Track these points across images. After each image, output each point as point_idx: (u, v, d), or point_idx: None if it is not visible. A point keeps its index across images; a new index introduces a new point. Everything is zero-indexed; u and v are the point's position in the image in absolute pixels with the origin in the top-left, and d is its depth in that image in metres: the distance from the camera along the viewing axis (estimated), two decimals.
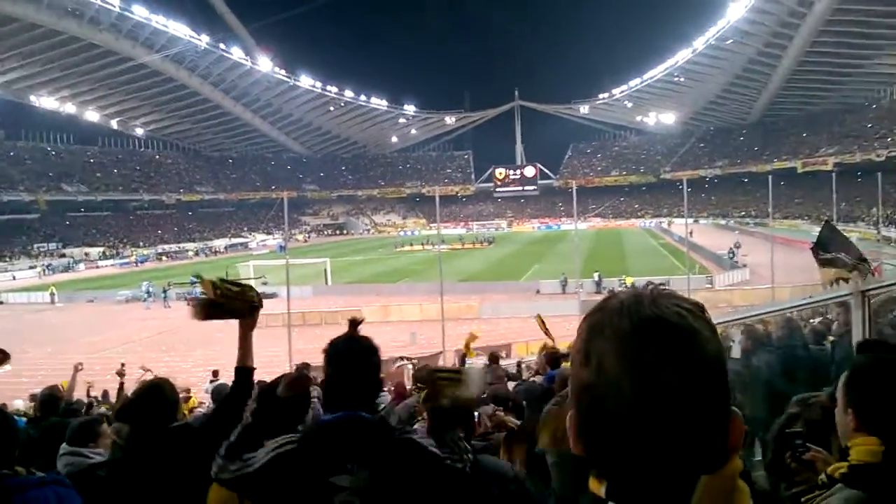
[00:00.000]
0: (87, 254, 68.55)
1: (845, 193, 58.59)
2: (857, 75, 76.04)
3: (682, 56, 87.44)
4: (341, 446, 1.89)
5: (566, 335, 25.34)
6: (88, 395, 12.09)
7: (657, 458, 0.74)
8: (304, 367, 8.94)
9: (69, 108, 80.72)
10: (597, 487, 0.81)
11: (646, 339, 0.74)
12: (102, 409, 10.87)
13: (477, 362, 20.25)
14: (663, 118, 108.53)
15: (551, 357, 6.18)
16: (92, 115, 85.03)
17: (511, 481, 2.38)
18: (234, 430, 2.07)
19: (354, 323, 2.11)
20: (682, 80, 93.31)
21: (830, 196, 38.91)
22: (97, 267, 64.92)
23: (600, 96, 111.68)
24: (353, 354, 2.03)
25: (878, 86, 76.97)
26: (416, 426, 3.77)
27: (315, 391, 2.74)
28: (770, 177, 34.19)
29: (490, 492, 2.29)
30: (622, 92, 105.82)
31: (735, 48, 78.97)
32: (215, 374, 15.45)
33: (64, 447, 3.40)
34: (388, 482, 1.88)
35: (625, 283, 35.36)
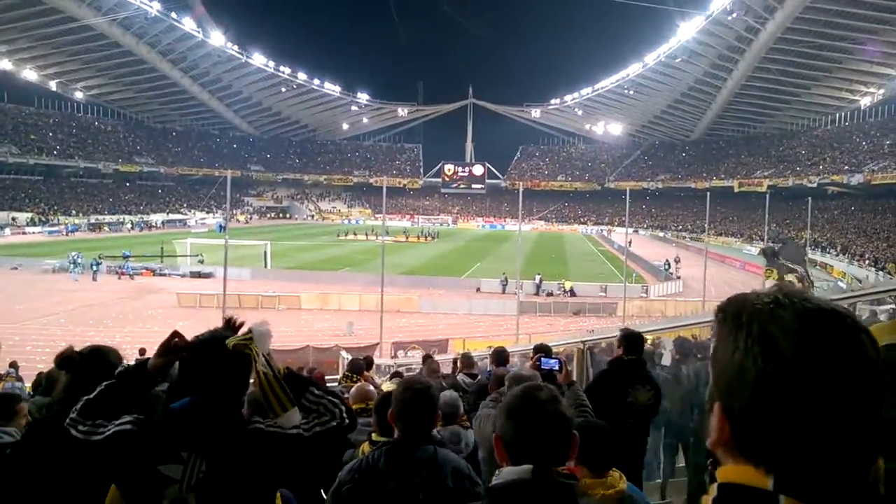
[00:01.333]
0: (14, 219, 65.35)
1: (777, 215, 61.18)
2: (794, 103, 79.40)
3: (633, 69, 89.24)
4: (177, 434, 1.86)
5: (505, 334, 25.53)
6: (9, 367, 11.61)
7: (846, 449, 0.73)
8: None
9: (5, 64, 76.11)
10: (756, 480, 0.79)
11: (829, 327, 0.75)
12: (19, 384, 10.43)
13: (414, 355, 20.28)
14: (611, 129, 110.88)
15: (498, 354, 6.27)
16: (30, 74, 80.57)
17: (466, 478, 2.42)
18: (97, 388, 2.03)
19: (229, 323, 2.10)
20: (631, 93, 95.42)
21: (763, 217, 40.55)
22: (24, 233, 62.03)
23: (552, 102, 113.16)
24: (213, 346, 2.00)
25: (814, 115, 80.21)
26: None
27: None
28: (708, 194, 35.36)
29: (446, 484, 2.35)
30: (573, 99, 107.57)
31: (683, 67, 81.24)
32: (142, 352, 15.07)
33: None
34: (227, 476, 1.85)
35: (563, 287, 36.08)
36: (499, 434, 1.71)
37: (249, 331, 2.02)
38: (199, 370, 1.98)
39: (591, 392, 4.59)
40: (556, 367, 3.96)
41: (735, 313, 0.83)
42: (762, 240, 47.60)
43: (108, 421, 1.90)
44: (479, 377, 6.85)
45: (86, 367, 2.59)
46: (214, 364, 1.97)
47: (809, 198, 43.96)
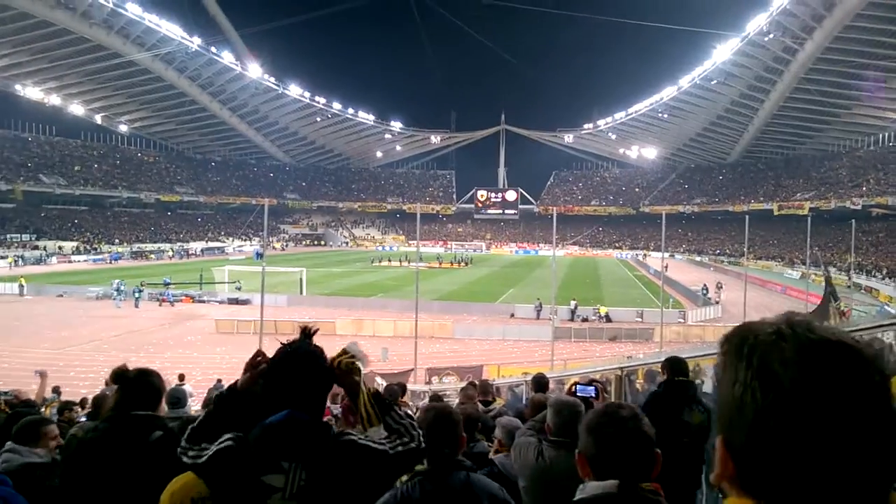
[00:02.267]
0: (60, 247, 67.41)
1: (819, 239, 59.64)
2: (835, 124, 77.65)
3: (667, 93, 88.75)
4: (277, 445, 1.92)
5: (540, 360, 25.17)
6: (51, 392, 11.81)
7: (849, 485, 0.72)
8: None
9: (54, 99, 79.64)
10: None
11: (832, 360, 0.73)
12: (55, 407, 10.62)
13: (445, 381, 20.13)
14: (645, 152, 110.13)
15: (537, 381, 6.21)
16: (77, 109, 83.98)
17: (502, 502, 2.40)
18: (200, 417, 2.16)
19: (306, 331, 2.14)
20: (665, 116, 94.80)
21: (805, 240, 39.50)
22: (70, 261, 63.91)
23: (585, 126, 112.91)
24: (297, 358, 2.06)
25: (856, 135, 78.40)
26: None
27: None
28: (747, 217, 34.65)
29: None
30: (607, 124, 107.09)
31: (719, 89, 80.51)
32: (181, 377, 15.21)
33: (8, 444, 3.44)
34: (326, 484, 1.90)
35: (599, 313, 35.59)
36: (581, 450, 1.79)
37: (345, 350, 2.13)
38: (287, 381, 2.02)
39: (646, 412, 4.56)
40: (593, 395, 3.91)
41: (738, 344, 0.82)
42: (804, 263, 46.40)
43: (210, 443, 2.01)
44: (496, 407, 6.75)
45: (135, 384, 2.81)
46: (302, 374, 2.03)
47: (853, 220, 42.62)
